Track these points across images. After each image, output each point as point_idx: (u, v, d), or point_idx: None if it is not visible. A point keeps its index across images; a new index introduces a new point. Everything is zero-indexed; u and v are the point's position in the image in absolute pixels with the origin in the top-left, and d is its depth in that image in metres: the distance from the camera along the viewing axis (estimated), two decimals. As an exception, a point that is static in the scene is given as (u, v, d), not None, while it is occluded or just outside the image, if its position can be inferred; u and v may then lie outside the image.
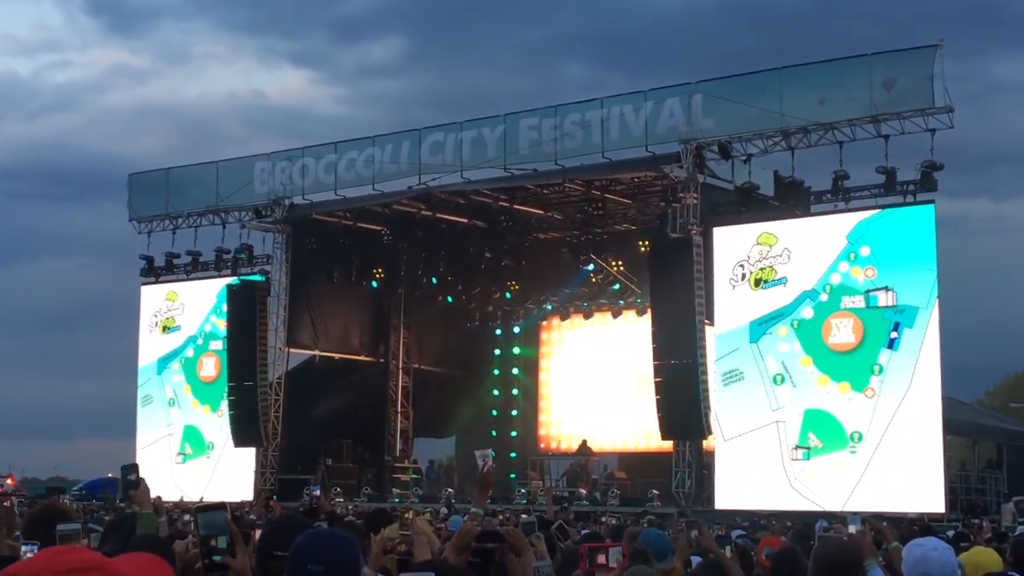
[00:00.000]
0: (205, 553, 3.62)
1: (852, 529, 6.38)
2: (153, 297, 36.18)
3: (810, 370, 25.66)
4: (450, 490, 30.60)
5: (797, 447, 25.51)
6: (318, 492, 10.15)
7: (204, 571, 3.76)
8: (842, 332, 25.33)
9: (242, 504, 25.22)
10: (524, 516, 8.73)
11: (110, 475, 37.81)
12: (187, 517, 11.12)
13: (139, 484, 5.91)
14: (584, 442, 32.14)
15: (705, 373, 26.27)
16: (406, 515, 7.03)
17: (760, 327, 26.29)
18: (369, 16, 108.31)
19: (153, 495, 6.02)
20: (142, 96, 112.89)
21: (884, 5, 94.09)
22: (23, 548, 5.24)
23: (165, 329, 35.85)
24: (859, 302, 25.22)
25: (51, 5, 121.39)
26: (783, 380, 25.90)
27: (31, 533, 5.75)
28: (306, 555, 3.57)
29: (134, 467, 5.96)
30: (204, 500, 25.04)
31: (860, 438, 24.81)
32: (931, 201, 25.14)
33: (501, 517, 17.26)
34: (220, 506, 3.74)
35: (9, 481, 40.22)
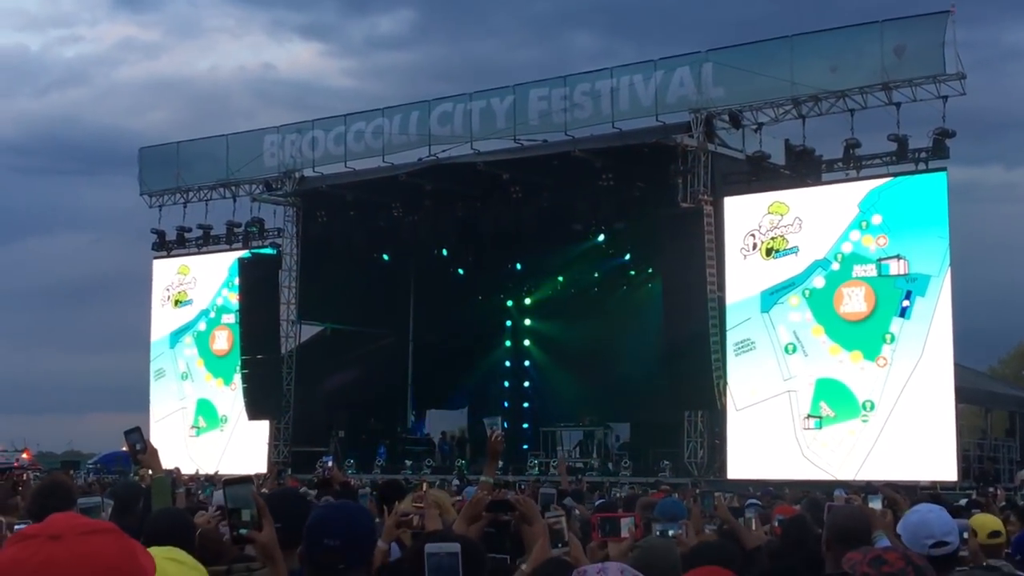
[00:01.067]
0: (232, 526, 3.63)
1: (874, 505, 6.37)
2: (165, 271, 36.23)
3: (822, 339, 25.61)
4: (462, 461, 30.71)
5: (809, 416, 25.51)
6: (331, 463, 10.17)
7: (232, 543, 3.78)
8: (854, 301, 25.27)
9: (256, 477, 25.30)
10: (543, 489, 8.74)
11: (124, 448, 37.98)
12: (203, 493, 11.16)
13: (147, 447, 5.90)
14: (595, 414, 32.13)
15: (716, 343, 26.24)
16: (421, 487, 7.01)
17: (771, 297, 26.25)
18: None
19: (171, 467, 6.01)
20: (152, 70, 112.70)
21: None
22: (16, 526, 5.16)
23: (177, 303, 35.94)
24: (871, 271, 25.15)
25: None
26: (795, 349, 25.87)
27: (33, 508, 5.76)
28: (322, 529, 3.56)
29: (136, 430, 5.92)
30: (219, 473, 25.18)
31: (872, 407, 24.78)
32: (943, 169, 25.01)
33: (517, 489, 17.30)
34: (247, 479, 3.75)
35: (24, 455, 40.41)
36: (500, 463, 29.46)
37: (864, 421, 24.84)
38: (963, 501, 12.16)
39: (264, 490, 13.42)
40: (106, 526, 1.97)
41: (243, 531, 3.61)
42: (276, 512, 3.70)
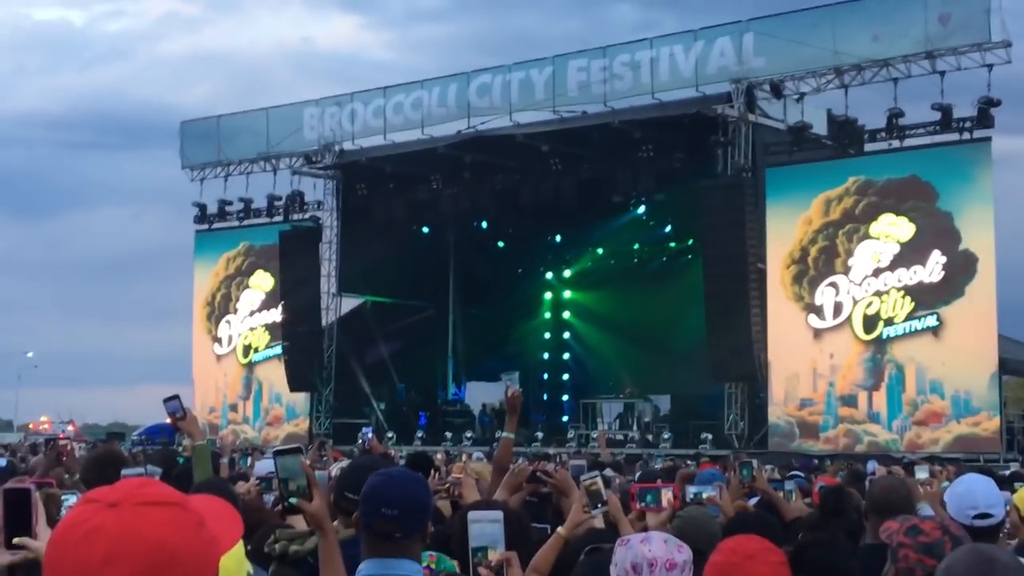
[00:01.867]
0: (283, 495, 3.67)
1: (921, 476, 6.34)
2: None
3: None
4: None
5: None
6: (371, 435, 10.20)
7: (283, 513, 3.82)
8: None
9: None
10: (573, 460, 8.75)
11: (169, 421, 38.33)
12: (247, 461, 11.22)
13: (185, 414, 5.90)
14: (635, 386, 32.12)
15: (758, 315, 26.14)
16: (462, 459, 7.07)
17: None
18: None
19: (224, 433, 6.04)
20: (194, 44, 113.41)
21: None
22: (64, 497, 5.17)
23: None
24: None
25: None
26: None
27: (88, 477, 5.81)
28: (379, 498, 3.55)
29: (176, 397, 5.91)
30: (261, 445, 25.39)
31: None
32: (988, 138, 24.74)
33: (557, 462, 17.33)
34: (297, 450, 3.79)
35: (71, 427, 40.94)
36: (539, 433, 29.36)
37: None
38: (1007, 472, 12.07)
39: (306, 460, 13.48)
40: (172, 498, 1.90)
41: (293, 500, 3.64)
42: (357, 482, 3.69)
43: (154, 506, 1.86)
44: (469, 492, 5.59)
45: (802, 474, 11.65)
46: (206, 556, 1.90)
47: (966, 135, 24.82)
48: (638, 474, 11.00)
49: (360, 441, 11.09)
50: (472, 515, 3.66)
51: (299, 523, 4.55)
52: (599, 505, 5.01)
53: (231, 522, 2.21)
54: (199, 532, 1.89)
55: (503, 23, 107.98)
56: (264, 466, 6.57)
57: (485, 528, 3.65)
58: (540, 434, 29.94)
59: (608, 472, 9.82)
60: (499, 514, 3.67)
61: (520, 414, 6.45)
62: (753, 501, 7.43)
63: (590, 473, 5.50)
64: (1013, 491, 6.52)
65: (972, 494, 4.80)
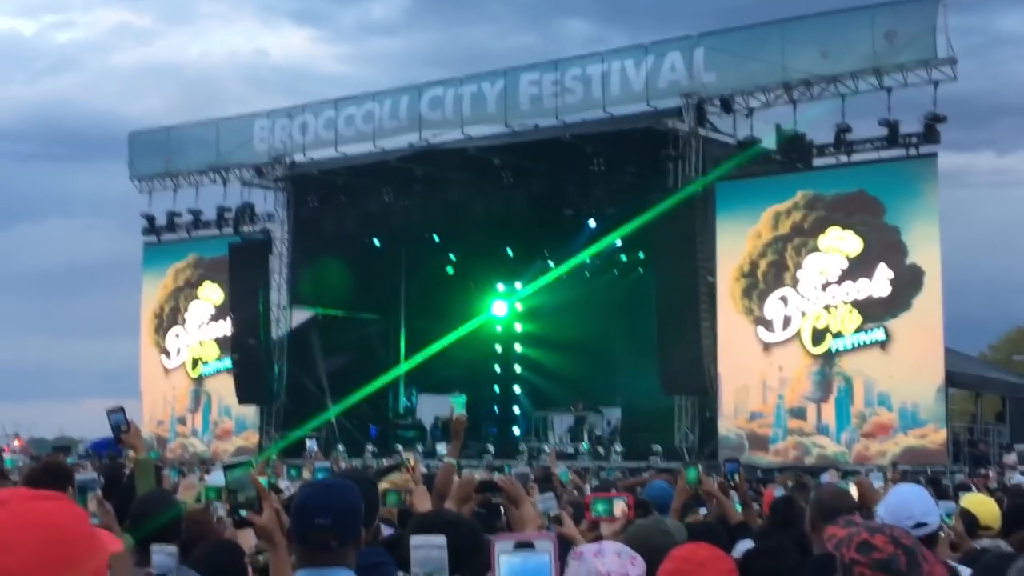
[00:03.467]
0: (233, 508, 3.64)
1: (877, 484, 6.40)
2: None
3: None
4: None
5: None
6: (315, 447, 10.12)
7: (233, 526, 3.79)
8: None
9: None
10: (517, 469, 8.73)
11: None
12: (194, 473, 11.13)
13: (130, 427, 5.81)
14: (586, 398, 32.16)
15: (708, 328, 26.27)
16: (411, 461, 6.96)
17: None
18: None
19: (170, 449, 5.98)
20: (145, 56, 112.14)
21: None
22: None
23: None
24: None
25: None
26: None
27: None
28: (312, 508, 3.54)
29: (120, 410, 5.82)
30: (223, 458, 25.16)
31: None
32: (934, 154, 25.05)
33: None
34: (246, 463, 3.76)
35: (16, 442, 40.29)
36: (490, 446, 29.27)
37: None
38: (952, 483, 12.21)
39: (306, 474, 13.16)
40: (54, 494, 1.99)
41: (243, 513, 3.61)
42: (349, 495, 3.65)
43: (41, 500, 1.95)
44: (420, 500, 5.55)
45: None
46: (97, 541, 1.98)
47: (912, 151, 25.12)
48: (592, 485, 11.04)
49: (307, 453, 11.03)
50: (415, 540, 3.61)
51: (249, 536, 4.51)
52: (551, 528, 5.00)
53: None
54: (87, 521, 1.99)
55: (456, 38, 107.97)
56: (216, 479, 6.52)
57: (430, 553, 3.60)
58: (491, 447, 29.91)
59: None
60: (443, 539, 3.62)
61: (469, 428, 6.41)
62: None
63: (546, 496, 5.49)
64: (958, 501, 6.60)
65: (907, 504, 4.87)
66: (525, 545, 2.95)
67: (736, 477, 7.49)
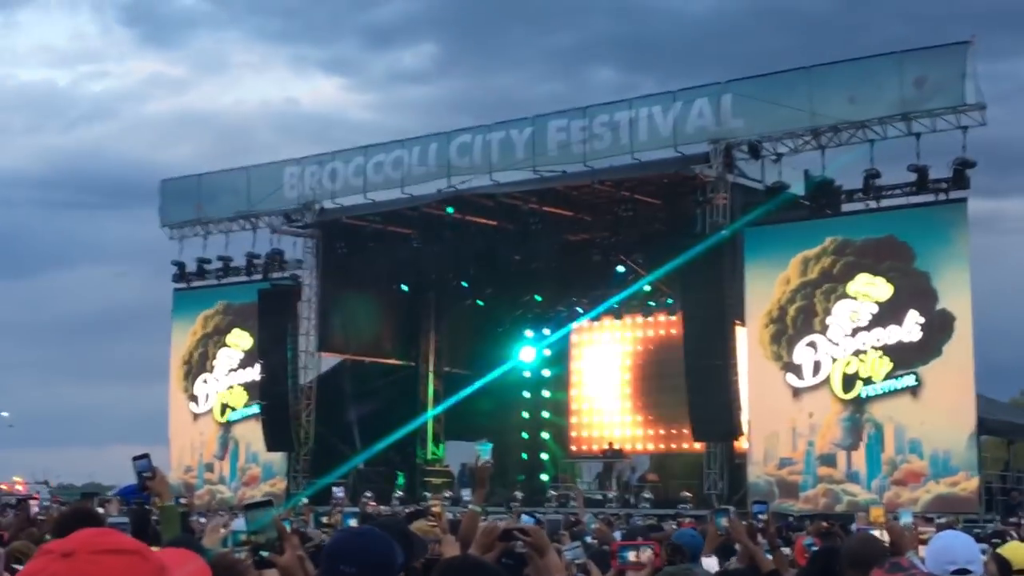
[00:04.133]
0: (253, 549, 3.61)
1: (904, 521, 6.32)
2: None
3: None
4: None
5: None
6: (342, 494, 10.09)
7: (253, 567, 3.76)
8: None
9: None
10: (550, 515, 8.66)
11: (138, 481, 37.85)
12: (221, 517, 11.11)
13: (155, 474, 5.79)
14: (615, 444, 32.01)
15: (736, 374, 26.14)
16: (434, 508, 6.96)
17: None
18: (400, 23, 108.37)
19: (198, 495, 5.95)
20: (178, 105, 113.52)
21: (915, 3, 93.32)
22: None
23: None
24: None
25: (87, 16, 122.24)
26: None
27: (61, 535, 5.72)
28: (338, 555, 3.52)
29: (146, 456, 5.79)
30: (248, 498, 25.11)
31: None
32: (964, 199, 24.94)
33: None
34: (267, 503, 3.74)
35: (19, 486, 40.03)
36: (518, 492, 29.15)
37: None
38: (988, 529, 12.05)
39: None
40: (130, 547, 1.87)
41: (264, 553, 3.58)
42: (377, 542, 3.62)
43: (109, 554, 1.82)
44: (449, 550, 5.50)
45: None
46: None
47: (942, 196, 25.01)
48: (617, 532, 10.94)
49: (334, 500, 11.00)
50: None
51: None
52: None
53: (198, 573, 2.18)
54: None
55: (485, 85, 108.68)
56: (240, 524, 6.50)
57: None
58: (520, 494, 29.76)
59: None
60: None
61: (497, 475, 6.40)
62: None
63: (572, 545, 5.45)
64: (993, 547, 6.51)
65: (952, 549, 4.81)
66: None
67: (764, 517, 7.35)
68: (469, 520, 6.01)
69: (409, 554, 4.30)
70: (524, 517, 7.42)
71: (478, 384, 35.41)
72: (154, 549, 1.94)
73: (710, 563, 5.97)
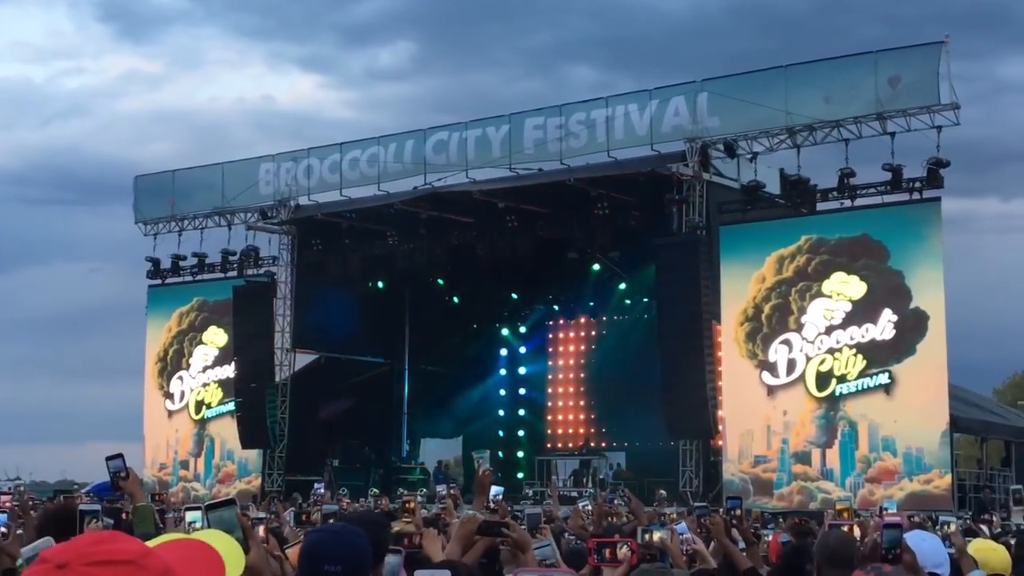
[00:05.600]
0: None
1: (889, 510, 6.35)
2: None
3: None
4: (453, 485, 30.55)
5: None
6: (323, 491, 10.05)
7: None
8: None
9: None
10: (529, 509, 8.64)
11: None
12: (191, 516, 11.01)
13: (128, 474, 5.75)
14: (590, 441, 32.08)
15: (711, 372, 26.22)
16: (408, 504, 6.93)
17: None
18: (377, 21, 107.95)
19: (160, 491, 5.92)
20: (154, 101, 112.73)
21: (891, 5, 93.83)
22: (32, 545, 5.02)
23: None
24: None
25: (63, 12, 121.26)
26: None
27: (44, 532, 5.66)
28: (321, 555, 3.49)
29: (119, 456, 5.75)
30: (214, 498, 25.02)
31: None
32: (938, 199, 25.08)
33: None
34: (230, 502, 3.72)
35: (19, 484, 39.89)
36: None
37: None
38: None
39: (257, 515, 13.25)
40: (126, 555, 1.82)
41: None
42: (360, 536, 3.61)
43: (105, 566, 1.78)
44: (431, 544, 5.48)
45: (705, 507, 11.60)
46: None
47: (916, 195, 25.15)
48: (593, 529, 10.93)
49: (313, 496, 10.96)
50: (419, 574, 3.58)
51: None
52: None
53: (210, 566, 2.15)
54: None
55: (463, 84, 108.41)
56: (196, 517, 6.41)
57: None
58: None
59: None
60: (447, 573, 3.60)
61: (470, 471, 6.41)
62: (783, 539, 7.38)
63: (543, 542, 5.45)
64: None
65: (920, 552, 4.82)
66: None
67: (738, 512, 7.38)
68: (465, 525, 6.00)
69: (382, 545, 4.29)
70: (494, 488, 7.43)
71: (453, 382, 35.46)
72: (148, 550, 1.89)
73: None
